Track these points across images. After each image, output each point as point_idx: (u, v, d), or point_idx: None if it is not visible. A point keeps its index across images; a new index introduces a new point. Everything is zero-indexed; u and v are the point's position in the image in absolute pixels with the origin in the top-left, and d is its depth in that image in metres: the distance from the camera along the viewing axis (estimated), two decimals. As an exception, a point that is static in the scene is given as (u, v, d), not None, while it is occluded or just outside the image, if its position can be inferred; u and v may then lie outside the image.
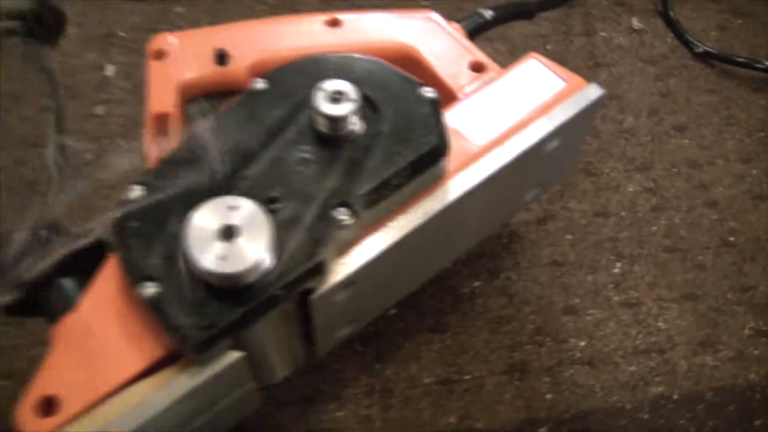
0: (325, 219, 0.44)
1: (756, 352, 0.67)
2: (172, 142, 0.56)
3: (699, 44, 0.88)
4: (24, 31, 0.46)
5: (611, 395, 0.64)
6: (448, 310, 0.68)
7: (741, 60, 0.88)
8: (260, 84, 0.50)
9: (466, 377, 0.65)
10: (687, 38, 0.90)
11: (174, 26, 0.88)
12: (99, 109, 0.81)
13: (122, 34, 0.88)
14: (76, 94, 0.82)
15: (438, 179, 0.49)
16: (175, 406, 0.43)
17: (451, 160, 0.50)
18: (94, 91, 0.82)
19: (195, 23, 0.89)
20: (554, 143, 0.54)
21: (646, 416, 0.64)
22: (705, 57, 0.89)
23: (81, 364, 0.45)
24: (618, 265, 0.72)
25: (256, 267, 0.41)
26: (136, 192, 0.45)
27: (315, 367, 0.65)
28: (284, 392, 0.63)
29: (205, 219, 0.41)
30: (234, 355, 0.43)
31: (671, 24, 0.92)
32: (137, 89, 0.82)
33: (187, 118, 0.59)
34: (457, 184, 0.50)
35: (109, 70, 0.84)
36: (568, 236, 0.73)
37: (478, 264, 0.71)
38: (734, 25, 0.93)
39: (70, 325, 0.46)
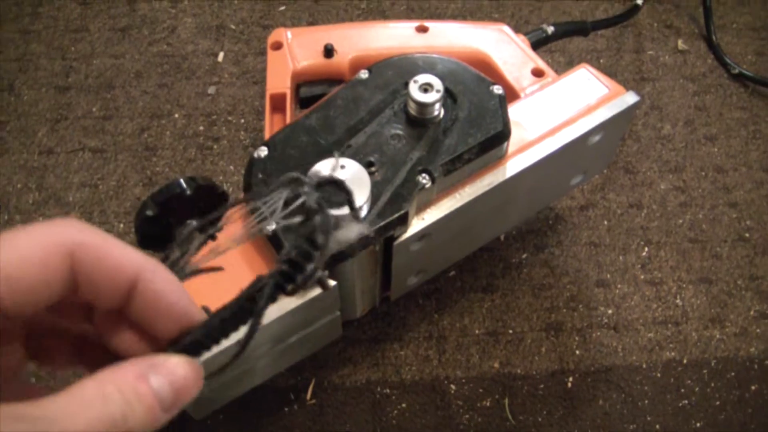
0: (410, 181, 0.55)
1: (758, 330, 0.76)
2: (285, 116, 0.67)
3: (736, 66, 0.96)
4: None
5: (630, 355, 0.74)
6: (498, 275, 0.78)
7: (773, 83, 0.95)
8: (364, 74, 0.61)
9: (510, 331, 0.74)
10: (725, 60, 0.97)
11: (277, 22, 0.99)
12: (211, 89, 0.92)
13: (232, 26, 0.99)
14: (191, 76, 0.93)
15: (500, 159, 0.60)
16: (281, 319, 0.53)
17: (511, 145, 0.60)
18: (207, 73, 0.94)
19: (296, 21, 0.99)
20: (596, 138, 0.64)
21: (658, 375, 0.73)
22: (740, 78, 0.97)
23: (206, 281, 0.55)
24: (646, 249, 0.81)
25: (356, 212, 0.52)
26: (263, 151, 0.57)
27: (383, 314, 0.75)
28: (356, 333, 0.74)
29: (321, 172, 0.52)
30: (330, 283, 0.54)
31: (712, 47, 0.99)
32: (244, 74, 0.93)
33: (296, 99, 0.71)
34: (515, 164, 0.60)
35: (221, 57, 0.96)
36: (605, 222, 0.82)
37: (527, 239, 0.80)
38: (771, 51, 1.01)
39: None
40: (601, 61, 0.97)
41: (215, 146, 0.86)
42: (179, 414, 0.31)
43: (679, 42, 1.01)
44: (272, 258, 0.55)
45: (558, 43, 0.97)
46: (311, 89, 0.70)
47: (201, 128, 0.88)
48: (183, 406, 0.32)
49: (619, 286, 0.78)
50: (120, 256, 0.32)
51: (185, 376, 0.32)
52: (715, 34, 1.00)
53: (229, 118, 0.89)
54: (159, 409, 0.30)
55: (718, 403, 0.72)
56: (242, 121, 0.89)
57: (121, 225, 0.80)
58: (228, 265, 0.55)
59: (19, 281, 0.29)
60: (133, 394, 0.29)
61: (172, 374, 0.31)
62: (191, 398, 0.32)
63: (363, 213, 0.52)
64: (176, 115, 0.89)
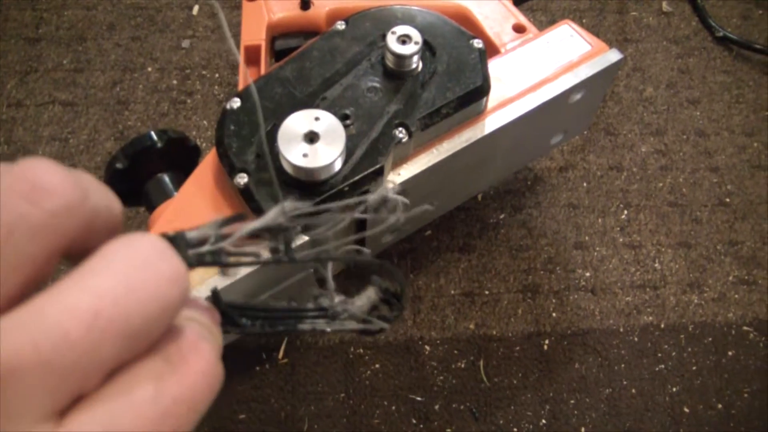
0: (386, 135, 0.53)
1: (736, 296, 0.75)
2: (260, 69, 0.66)
3: (720, 29, 0.95)
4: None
5: (608, 319, 0.73)
6: (475, 236, 0.77)
7: (758, 46, 0.94)
8: (341, 25, 0.60)
9: (486, 292, 0.74)
10: (710, 23, 0.96)
11: (254, -25, 0.97)
12: (185, 43, 0.90)
13: (208, -22, 0.97)
14: (165, 29, 0.91)
15: (479, 114, 0.58)
16: (252, 275, 0.51)
17: (491, 101, 0.59)
18: (182, 27, 0.91)
19: (273, -26, 0.97)
20: (577, 95, 0.63)
21: (635, 339, 0.72)
22: (724, 41, 0.95)
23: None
24: (625, 212, 0.80)
25: (329, 166, 0.50)
26: (236, 103, 0.55)
27: (356, 274, 0.74)
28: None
29: (295, 124, 0.50)
30: (302, 239, 0.53)
31: (697, 9, 0.98)
32: (219, 28, 0.91)
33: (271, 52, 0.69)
34: (494, 120, 0.58)
35: (195, 10, 0.94)
36: (585, 184, 0.81)
37: (505, 200, 0.79)
38: (755, 14, 0.99)
39: (170, 207, 0.56)
40: (584, 20, 0.96)
41: (189, 101, 0.84)
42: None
43: (664, 3, 0.99)
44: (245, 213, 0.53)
45: (540, 2, 0.95)
46: (287, 42, 0.68)
47: (174, 82, 0.86)
48: None
49: (597, 248, 0.77)
50: None
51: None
52: (700, -4, 0.99)
53: (204, 72, 0.87)
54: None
55: (694, 368, 0.71)
56: (216, 75, 0.87)
57: (91, 180, 0.78)
58: (200, 220, 0.54)
59: None
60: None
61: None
62: None
63: (337, 166, 0.51)
64: (149, 69, 0.87)
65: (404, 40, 0.55)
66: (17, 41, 0.89)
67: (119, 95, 0.85)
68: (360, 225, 0.60)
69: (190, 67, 0.87)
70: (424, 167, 0.56)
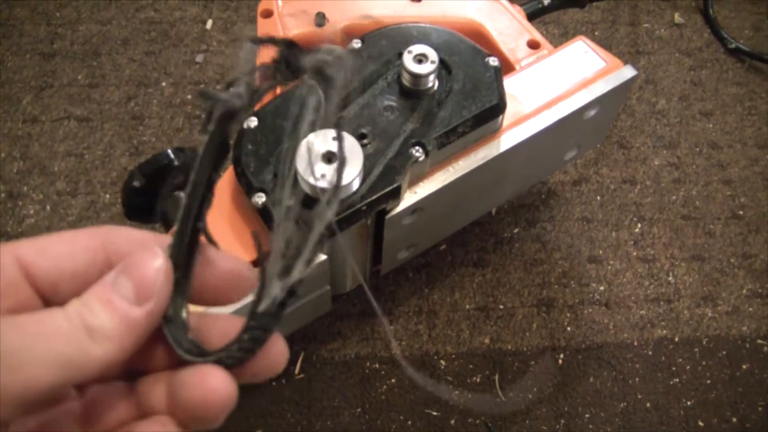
0: (403, 154, 0.53)
1: (750, 309, 0.75)
2: (277, 86, 0.66)
3: (732, 41, 0.95)
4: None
5: (622, 333, 0.73)
6: (490, 250, 0.77)
7: (769, 58, 0.94)
8: (356, 44, 0.60)
9: (501, 307, 0.74)
10: (722, 35, 0.96)
11: (267, -11, 0.97)
12: (199, 57, 0.90)
13: (222, -7, 0.97)
14: (178, 43, 0.92)
15: (494, 132, 0.59)
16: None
17: (506, 118, 0.59)
18: (195, 41, 0.92)
19: (286, -12, 0.97)
20: (592, 112, 0.63)
21: (649, 353, 0.72)
22: (736, 53, 0.95)
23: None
24: (639, 225, 0.80)
25: (347, 186, 0.50)
26: (253, 122, 0.55)
27: (372, 289, 0.74)
28: (345, 307, 0.73)
29: (314, 144, 0.51)
30: (321, 257, 0.53)
31: (709, 21, 0.98)
32: (233, 42, 0.92)
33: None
34: (510, 138, 0.59)
35: (209, 24, 0.94)
36: (598, 197, 0.81)
37: (519, 214, 0.80)
38: (767, 26, 1.00)
39: (188, 226, 0.56)
40: (596, 33, 0.96)
41: (203, 116, 0.84)
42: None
43: (676, 15, 0.99)
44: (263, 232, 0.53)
45: (552, 15, 0.95)
46: (302, 59, 0.68)
47: (189, 97, 0.87)
48: (161, 302, 0.30)
49: (611, 262, 0.77)
50: (146, 234, 0.32)
51: (156, 271, 0.30)
52: (712, 8, 0.99)
53: (218, 87, 0.87)
54: (126, 310, 0.29)
55: (709, 381, 0.71)
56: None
57: (107, 195, 0.78)
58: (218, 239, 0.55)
59: (46, 248, 0.29)
60: (97, 302, 0.28)
61: (139, 272, 0.30)
62: (164, 295, 0.31)
63: (355, 185, 0.51)
64: (163, 84, 0.88)
65: (420, 59, 0.55)
66: (32, 57, 0.89)
67: (134, 110, 0.85)
68: (377, 241, 0.60)
69: (204, 82, 0.88)
70: (440, 185, 0.56)
